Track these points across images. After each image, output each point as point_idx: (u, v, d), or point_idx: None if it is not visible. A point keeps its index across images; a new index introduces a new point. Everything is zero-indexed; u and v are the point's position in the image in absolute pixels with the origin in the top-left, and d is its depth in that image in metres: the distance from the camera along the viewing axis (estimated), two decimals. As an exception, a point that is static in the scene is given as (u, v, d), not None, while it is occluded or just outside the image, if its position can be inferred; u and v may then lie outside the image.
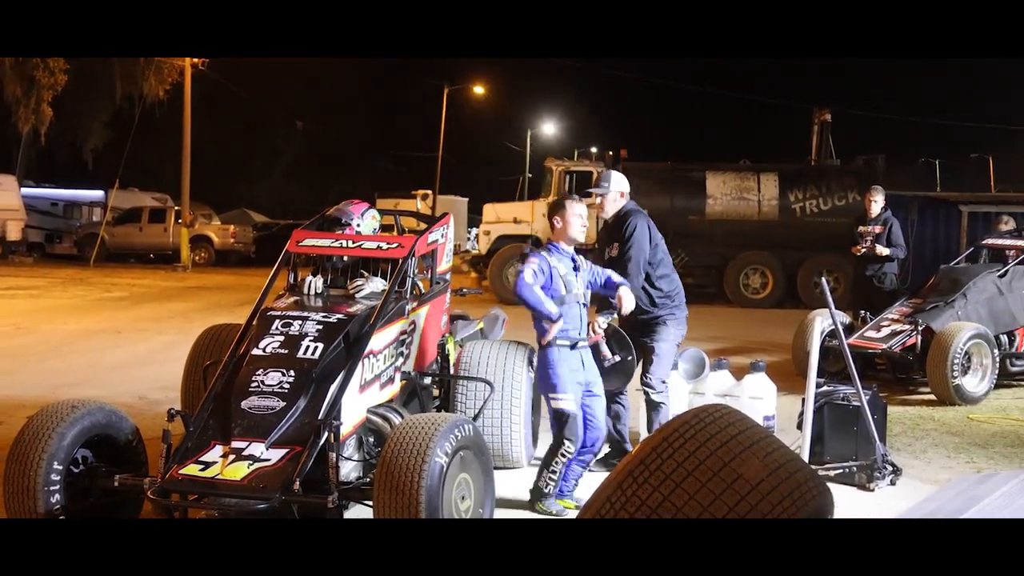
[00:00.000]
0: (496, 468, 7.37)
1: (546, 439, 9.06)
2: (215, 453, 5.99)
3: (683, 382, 9.01)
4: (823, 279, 8.71)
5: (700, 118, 77.58)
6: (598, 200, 8.61)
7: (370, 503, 5.81)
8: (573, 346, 7.21)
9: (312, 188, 65.62)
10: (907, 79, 75.10)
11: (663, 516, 3.73)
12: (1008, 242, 13.77)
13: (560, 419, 7.18)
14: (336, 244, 7.60)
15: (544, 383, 7.29)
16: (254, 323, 6.90)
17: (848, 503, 7.45)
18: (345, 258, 7.75)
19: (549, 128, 69.77)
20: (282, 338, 6.61)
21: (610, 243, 8.46)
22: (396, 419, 6.65)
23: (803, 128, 30.15)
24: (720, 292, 26.14)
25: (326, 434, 5.91)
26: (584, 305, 7.36)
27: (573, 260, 7.42)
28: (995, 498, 7.27)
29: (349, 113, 66.93)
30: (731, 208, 25.90)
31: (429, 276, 8.25)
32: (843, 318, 13.08)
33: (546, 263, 7.23)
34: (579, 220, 7.42)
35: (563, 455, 7.15)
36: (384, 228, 8.51)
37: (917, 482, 8.11)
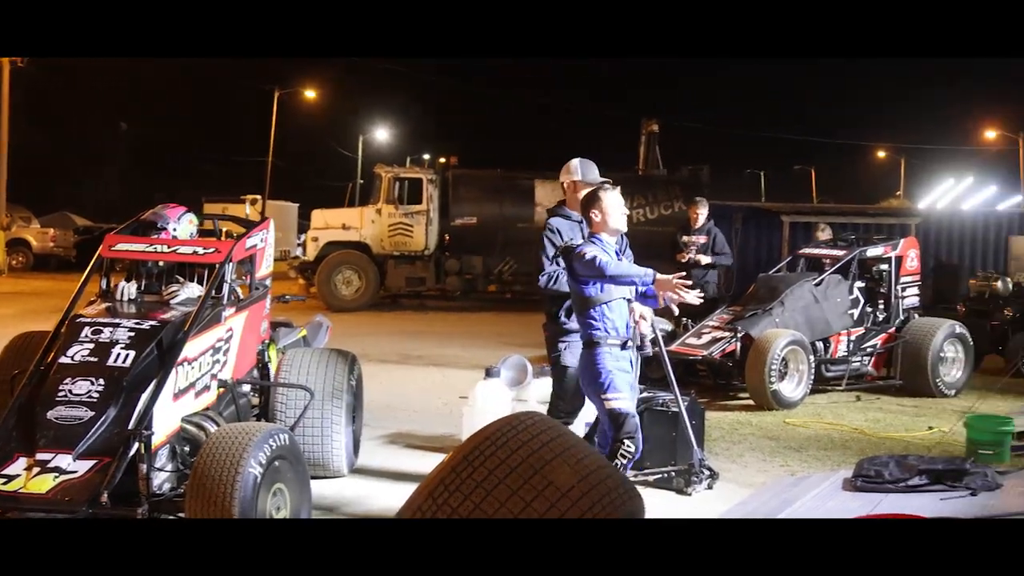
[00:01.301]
0: (316, 477, 7.29)
1: (370, 447, 9.02)
2: (18, 466, 5.77)
3: (505, 389, 9.02)
4: (643, 286, 8.81)
5: (532, 127, 78.30)
6: None
7: (183, 515, 5.68)
8: (623, 346, 6.72)
9: (138, 191, 64.12)
10: (734, 92, 77.10)
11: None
12: (824, 252, 14.16)
13: (616, 420, 6.59)
14: (150, 249, 7.41)
15: (594, 384, 6.68)
16: (63, 330, 6.67)
17: (666, 507, 7.53)
18: (160, 263, 7.56)
19: (382, 134, 69.43)
20: (92, 346, 6.41)
21: None
22: (212, 428, 6.50)
23: (631, 138, 30.59)
24: (548, 299, 26.27)
25: (136, 444, 5.75)
26: (629, 301, 6.85)
27: (617, 254, 6.97)
28: (808, 500, 7.48)
29: (177, 115, 65.70)
30: (560, 216, 26.05)
31: (248, 282, 8.08)
32: (665, 325, 13.30)
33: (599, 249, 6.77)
34: (618, 208, 6.94)
35: (623, 456, 6.57)
36: (207, 233, 8.33)
37: (734, 485, 8.25)
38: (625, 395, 6.62)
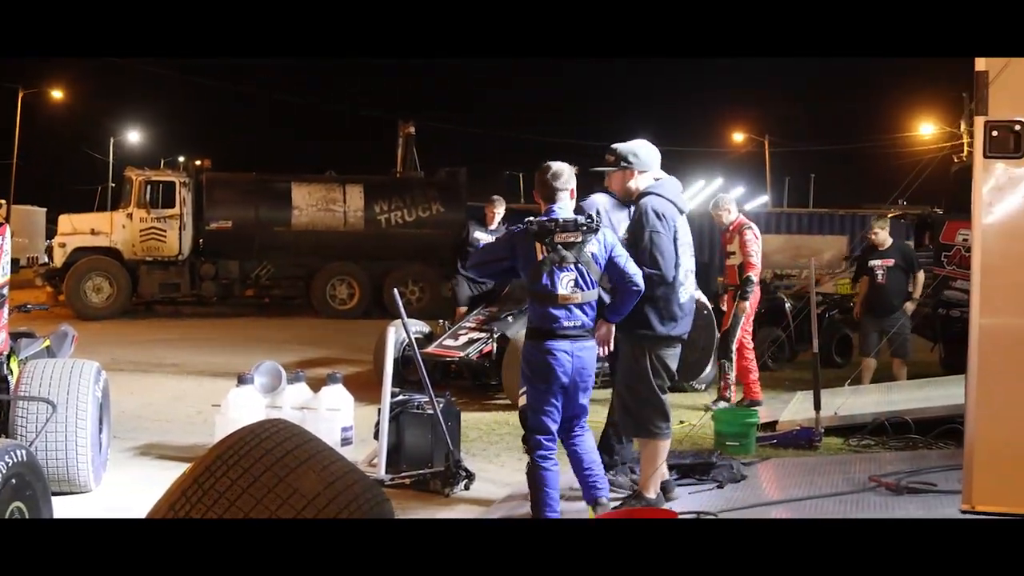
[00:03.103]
0: (62, 494, 7.02)
1: (120, 460, 8.74)
2: None
3: (259, 396, 8.88)
4: (395, 290, 8.83)
5: (289, 129, 77.37)
6: None
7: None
8: None
9: None
10: (491, 94, 77.96)
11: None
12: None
13: None
14: None
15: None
16: None
17: (423, 510, 7.56)
18: None
19: (135, 136, 67.37)
20: None
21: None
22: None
23: (389, 140, 30.58)
24: (307, 303, 26.12)
25: None
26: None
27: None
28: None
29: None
30: (317, 219, 25.91)
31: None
32: (423, 327, 13.34)
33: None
34: None
35: None
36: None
37: (491, 485, 8.32)
38: None
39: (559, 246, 6.27)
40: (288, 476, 3.70)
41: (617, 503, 6.90)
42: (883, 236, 13.03)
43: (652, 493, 6.98)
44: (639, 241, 6.78)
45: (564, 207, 6.45)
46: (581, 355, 6.42)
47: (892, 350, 12.98)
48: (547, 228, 6.28)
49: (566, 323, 6.32)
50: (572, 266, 6.28)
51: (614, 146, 7.17)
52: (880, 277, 12.81)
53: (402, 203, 26.29)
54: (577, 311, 6.33)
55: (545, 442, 6.42)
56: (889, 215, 17.47)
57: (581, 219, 6.34)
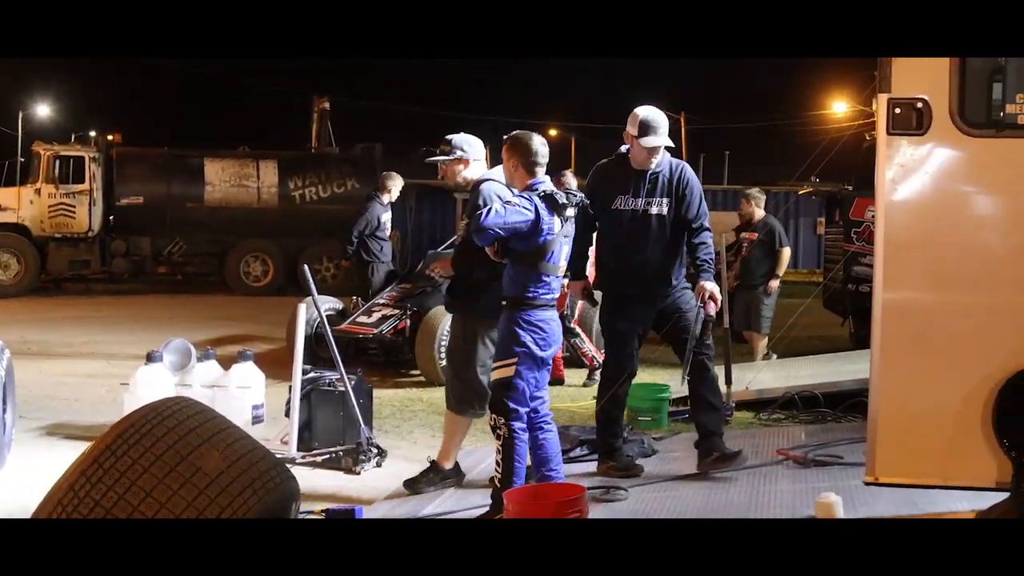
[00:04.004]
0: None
1: (26, 440, 8.59)
2: None
3: (168, 374, 8.78)
4: (305, 267, 8.74)
5: (201, 104, 76.26)
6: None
7: None
8: None
9: None
10: (408, 70, 77.54)
11: (118, 516, 3.59)
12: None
13: None
14: None
15: None
16: None
17: (335, 487, 7.53)
18: None
19: (44, 110, 66.06)
20: None
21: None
22: None
23: (303, 115, 30.29)
24: (221, 280, 25.85)
25: None
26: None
27: None
28: (475, 474, 7.62)
29: None
30: (230, 195, 25.63)
31: None
32: (336, 304, 13.28)
33: None
34: None
35: None
36: None
37: (404, 462, 8.29)
38: None
39: (566, 220, 6.38)
40: (191, 455, 3.66)
41: None
42: (749, 209, 13.30)
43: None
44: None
45: (545, 179, 6.50)
46: (559, 322, 6.63)
47: (749, 323, 13.15)
48: (566, 201, 6.34)
49: (556, 292, 6.46)
50: (568, 239, 6.46)
51: (449, 137, 7.37)
52: (744, 250, 13.04)
53: (317, 179, 26.09)
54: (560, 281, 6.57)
55: (524, 413, 6.41)
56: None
57: (580, 196, 6.52)
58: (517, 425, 6.33)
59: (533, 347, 6.31)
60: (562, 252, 6.40)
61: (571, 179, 11.34)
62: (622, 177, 7.31)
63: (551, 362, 6.62)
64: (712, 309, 7.18)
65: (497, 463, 6.37)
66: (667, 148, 7.28)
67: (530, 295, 6.32)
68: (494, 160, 7.24)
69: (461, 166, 7.29)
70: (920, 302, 5.18)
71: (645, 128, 7.10)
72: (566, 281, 7.31)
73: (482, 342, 7.01)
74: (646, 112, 7.15)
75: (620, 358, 7.43)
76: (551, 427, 6.59)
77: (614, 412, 7.52)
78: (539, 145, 6.50)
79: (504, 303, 6.42)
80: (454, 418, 7.29)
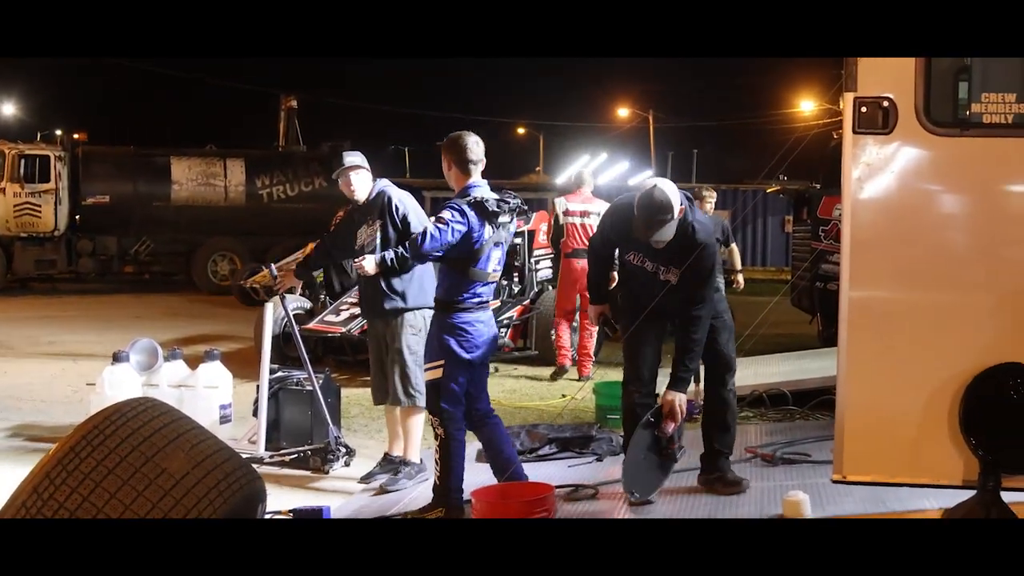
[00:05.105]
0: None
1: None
2: None
3: (135, 374, 8.72)
4: (272, 265, 8.72)
5: (167, 102, 75.81)
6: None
7: None
8: None
9: None
10: (376, 68, 77.31)
11: (82, 518, 3.56)
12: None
13: None
14: None
15: None
16: None
17: (303, 486, 7.54)
18: None
19: (8, 109, 65.60)
20: None
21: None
22: None
23: (271, 114, 30.22)
24: (188, 279, 25.73)
25: None
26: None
27: None
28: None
29: None
30: (197, 194, 25.51)
31: None
32: (304, 303, 13.24)
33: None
34: None
35: None
36: None
37: (372, 462, 8.25)
38: None
39: (499, 227, 6.37)
40: (156, 455, 3.63)
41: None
42: (701, 208, 13.46)
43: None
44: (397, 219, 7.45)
45: (482, 183, 6.47)
46: (493, 325, 6.61)
47: None
48: (497, 209, 6.30)
49: (485, 297, 6.48)
50: (500, 245, 6.44)
51: (354, 152, 7.86)
52: None
53: (284, 178, 26.00)
54: (491, 286, 6.57)
55: (459, 414, 6.43)
56: (769, 190, 17.71)
57: (517, 201, 6.46)
58: (452, 426, 6.39)
59: (458, 350, 6.34)
60: (492, 258, 6.39)
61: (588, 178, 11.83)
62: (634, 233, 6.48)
63: (487, 363, 6.68)
64: (670, 428, 6.50)
65: (436, 462, 6.45)
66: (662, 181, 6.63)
67: (457, 299, 6.36)
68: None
69: (366, 178, 7.72)
70: (887, 300, 5.20)
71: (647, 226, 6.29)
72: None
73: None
74: (647, 208, 6.27)
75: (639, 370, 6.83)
76: (495, 420, 6.66)
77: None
78: (473, 144, 6.47)
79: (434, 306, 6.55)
80: (413, 411, 7.56)
